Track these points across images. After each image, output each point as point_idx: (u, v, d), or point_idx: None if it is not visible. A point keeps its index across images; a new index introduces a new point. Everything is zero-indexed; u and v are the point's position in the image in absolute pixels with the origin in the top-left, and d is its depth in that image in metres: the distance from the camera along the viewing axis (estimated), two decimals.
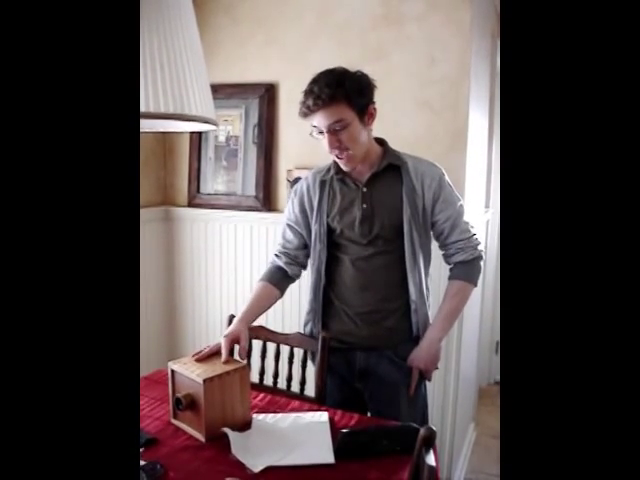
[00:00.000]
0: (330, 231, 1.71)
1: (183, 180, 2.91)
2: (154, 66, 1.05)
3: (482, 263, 1.74)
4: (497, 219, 3.58)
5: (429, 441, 1.17)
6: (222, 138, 2.75)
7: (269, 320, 2.58)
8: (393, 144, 1.74)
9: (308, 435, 1.43)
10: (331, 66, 1.59)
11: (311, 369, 1.84)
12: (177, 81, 1.08)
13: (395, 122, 2.29)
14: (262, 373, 1.93)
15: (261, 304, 1.75)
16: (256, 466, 1.28)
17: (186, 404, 1.42)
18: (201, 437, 1.42)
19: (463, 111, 2.26)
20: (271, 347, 1.92)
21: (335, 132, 1.54)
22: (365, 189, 1.66)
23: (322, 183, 1.72)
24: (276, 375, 1.91)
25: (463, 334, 2.36)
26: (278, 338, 1.90)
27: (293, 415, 1.55)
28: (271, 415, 1.55)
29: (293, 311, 2.59)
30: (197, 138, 2.81)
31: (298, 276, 1.85)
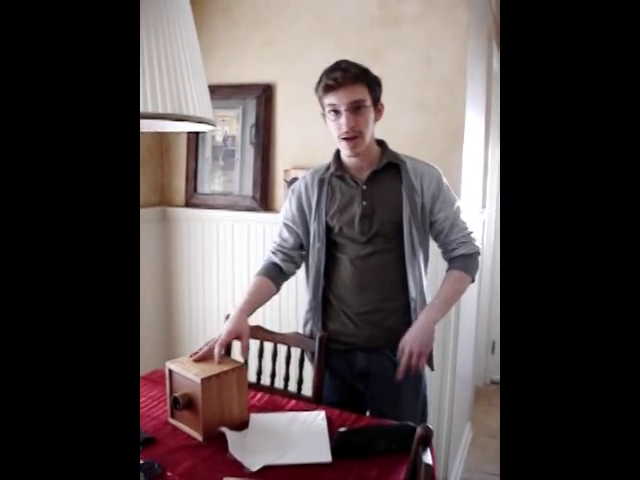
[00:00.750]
0: (328, 230, 1.71)
1: (180, 180, 2.91)
2: (152, 66, 1.05)
3: (480, 259, 1.75)
4: (493, 219, 3.59)
5: (426, 440, 1.18)
6: (219, 138, 2.75)
7: (266, 320, 2.59)
8: (390, 144, 1.75)
9: (305, 434, 1.44)
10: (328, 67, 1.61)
11: (308, 369, 1.84)
12: (175, 81, 1.08)
13: (392, 122, 2.28)
14: (259, 373, 1.94)
15: (259, 297, 1.74)
16: (254, 465, 1.29)
17: (184, 403, 1.43)
18: (199, 436, 1.42)
19: (459, 111, 2.26)
20: (268, 347, 1.93)
21: (353, 111, 1.57)
22: (365, 187, 1.66)
23: (321, 181, 1.72)
24: (273, 375, 1.91)
25: (459, 334, 2.37)
26: (275, 338, 1.91)
27: (290, 414, 1.55)
28: (268, 414, 1.55)
29: (290, 311, 2.59)
30: (194, 138, 2.81)
31: (293, 273, 1.86)
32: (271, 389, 1.87)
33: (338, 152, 1.72)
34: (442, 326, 2.33)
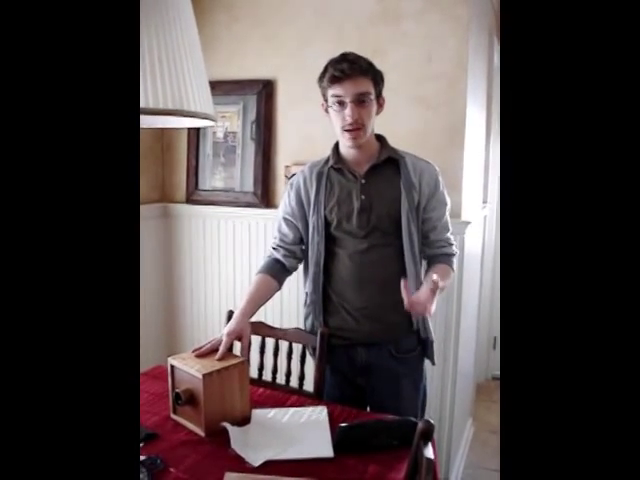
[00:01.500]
0: (327, 224, 1.71)
1: (181, 177, 2.91)
2: (153, 62, 1.05)
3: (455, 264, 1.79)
4: (494, 214, 3.58)
5: (427, 434, 1.18)
6: (220, 134, 2.75)
7: (268, 316, 2.59)
8: (390, 140, 1.75)
9: (307, 429, 1.44)
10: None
11: (310, 364, 1.85)
12: (175, 77, 1.08)
13: (393, 118, 2.29)
14: (261, 368, 1.94)
15: (261, 296, 1.74)
16: (256, 460, 1.29)
17: (185, 399, 1.43)
18: (200, 432, 1.42)
19: (460, 107, 2.26)
20: (270, 342, 1.93)
21: (358, 104, 1.58)
22: (364, 180, 1.67)
23: (319, 175, 1.72)
24: (275, 370, 1.91)
25: (460, 329, 2.37)
26: (277, 334, 1.91)
27: (292, 410, 1.56)
28: (270, 410, 1.55)
29: (292, 306, 2.59)
30: (195, 134, 2.81)
31: (295, 269, 1.86)
32: (273, 385, 1.87)
33: (337, 145, 1.72)
34: (444, 322, 2.34)
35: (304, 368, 1.87)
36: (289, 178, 2.49)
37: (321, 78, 1.63)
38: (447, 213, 1.74)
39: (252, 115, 2.66)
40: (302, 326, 1.86)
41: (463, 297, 2.36)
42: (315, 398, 1.72)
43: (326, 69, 1.61)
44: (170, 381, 1.50)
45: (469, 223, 2.31)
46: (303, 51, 2.50)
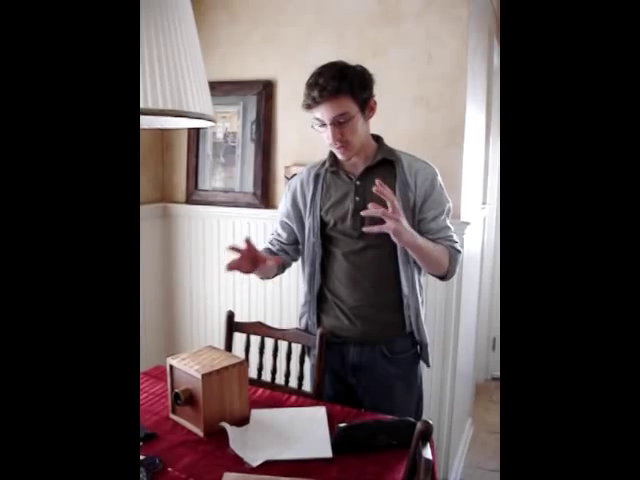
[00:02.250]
0: (323, 224, 1.71)
1: (181, 177, 2.91)
2: (152, 62, 1.05)
3: (457, 264, 1.69)
4: (494, 215, 3.59)
5: (426, 435, 1.18)
6: (220, 135, 2.75)
7: (267, 316, 2.60)
8: (390, 141, 1.75)
9: (306, 430, 1.44)
10: (333, 60, 1.60)
11: (309, 365, 1.85)
12: (175, 77, 1.09)
13: (392, 119, 2.30)
14: (260, 369, 1.94)
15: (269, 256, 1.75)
16: (254, 460, 1.29)
17: (185, 399, 1.43)
18: (199, 432, 1.43)
19: (460, 108, 2.26)
20: (269, 343, 1.93)
21: (339, 124, 1.56)
22: (359, 182, 1.67)
23: (316, 177, 1.73)
24: (274, 371, 1.91)
25: (460, 330, 2.37)
26: (276, 334, 1.91)
27: (291, 410, 1.56)
28: (269, 410, 1.56)
29: (291, 307, 2.59)
30: (195, 135, 2.81)
31: (289, 265, 1.87)
32: (272, 385, 1.87)
33: None
34: (443, 323, 2.34)
35: (303, 368, 1.87)
36: (289, 178, 2.50)
37: (302, 102, 1.61)
38: (446, 214, 1.70)
39: (252, 115, 2.66)
40: (298, 325, 1.86)
41: (462, 298, 2.36)
42: (314, 398, 1.72)
43: (304, 92, 1.59)
44: (169, 381, 1.50)
45: (468, 224, 2.31)
46: (303, 51, 2.50)
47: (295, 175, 1.85)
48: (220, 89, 2.64)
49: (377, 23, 2.36)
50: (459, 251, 1.69)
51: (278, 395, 1.69)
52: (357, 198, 1.66)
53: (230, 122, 2.72)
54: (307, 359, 1.87)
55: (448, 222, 1.71)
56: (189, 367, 1.44)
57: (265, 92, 2.62)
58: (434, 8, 2.25)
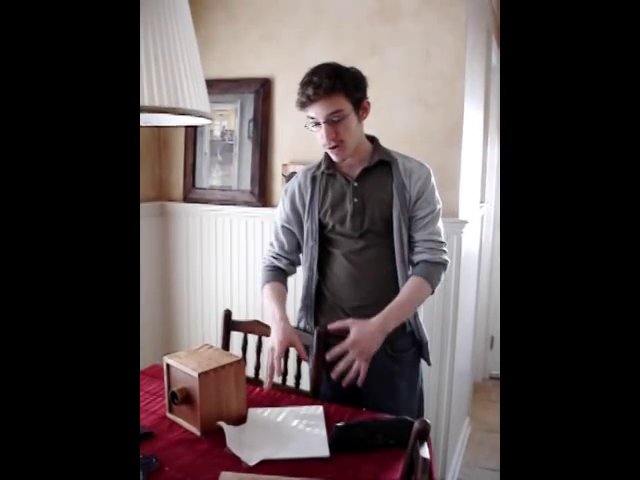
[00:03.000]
0: (321, 227, 1.71)
1: (178, 175, 2.91)
2: (149, 60, 1.05)
3: (443, 275, 1.70)
4: (492, 214, 3.59)
5: (423, 434, 1.17)
6: (217, 133, 2.75)
7: (264, 314, 2.59)
8: (388, 139, 1.75)
9: (303, 429, 1.44)
10: (326, 61, 1.60)
11: (306, 364, 1.84)
12: (172, 75, 1.08)
13: (390, 117, 2.30)
14: (257, 367, 1.94)
15: (283, 299, 1.77)
16: (251, 459, 1.29)
17: (181, 398, 1.43)
18: (196, 431, 1.42)
19: (458, 106, 2.26)
20: (266, 341, 1.92)
21: (332, 123, 1.56)
22: (356, 184, 1.67)
23: (313, 179, 1.73)
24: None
25: (458, 329, 2.37)
26: None
27: (288, 409, 1.55)
28: (266, 409, 1.55)
29: (289, 307, 2.57)
30: (192, 133, 2.81)
31: (294, 273, 1.88)
32: None
33: None
34: (441, 321, 2.34)
35: (301, 367, 1.86)
36: (287, 177, 2.51)
37: (296, 101, 1.60)
38: (436, 215, 1.69)
39: (249, 113, 2.65)
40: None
41: (460, 296, 2.36)
42: (311, 397, 1.71)
43: (298, 92, 1.59)
44: (166, 380, 1.50)
45: (466, 222, 2.31)
46: (301, 49, 2.50)
47: (292, 175, 1.84)
48: (218, 87, 2.63)
49: (375, 21, 2.35)
50: (444, 264, 1.70)
51: (275, 394, 1.68)
52: (355, 200, 1.66)
53: (228, 120, 2.71)
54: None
55: (439, 224, 1.71)
56: (186, 366, 1.43)
57: (263, 90, 2.61)
58: (432, 6, 2.25)
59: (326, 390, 1.76)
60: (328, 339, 1.72)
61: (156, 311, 2.99)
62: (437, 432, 2.40)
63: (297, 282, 1.97)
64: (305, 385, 1.82)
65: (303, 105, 1.57)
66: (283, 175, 2.57)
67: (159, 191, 2.97)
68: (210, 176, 2.79)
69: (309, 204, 1.72)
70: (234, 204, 2.73)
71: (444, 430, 2.42)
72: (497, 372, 3.77)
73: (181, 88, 1.09)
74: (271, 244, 1.86)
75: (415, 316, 1.70)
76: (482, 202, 3.29)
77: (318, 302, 1.76)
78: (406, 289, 1.64)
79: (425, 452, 1.13)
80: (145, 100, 1.04)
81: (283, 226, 1.81)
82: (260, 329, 1.93)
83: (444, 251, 1.70)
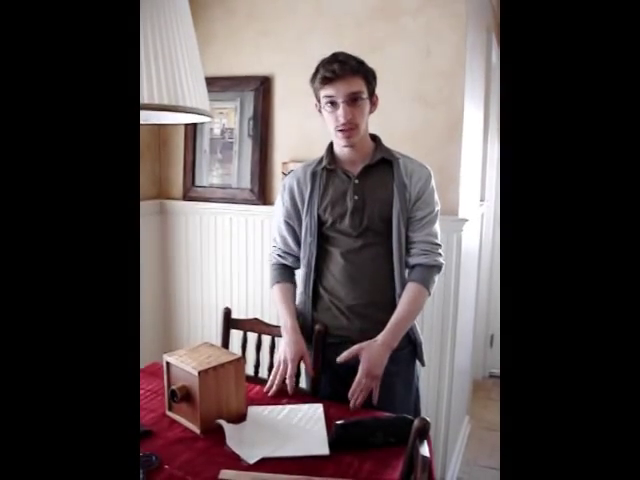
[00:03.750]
0: (320, 223, 1.71)
1: (178, 173, 2.90)
2: (148, 58, 1.04)
3: (438, 277, 1.72)
4: (492, 212, 3.58)
5: (423, 432, 1.17)
6: (217, 131, 2.74)
7: (264, 313, 2.59)
8: (388, 137, 1.75)
9: (303, 427, 1.44)
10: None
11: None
12: (171, 73, 1.08)
13: (390, 115, 2.29)
14: (257, 366, 1.94)
15: (293, 303, 1.78)
16: (251, 457, 1.29)
17: (181, 396, 1.43)
18: (196, 429, 1.42)
19: (458, 104, 2.26)
20: (266, 340, 1.93)
21: (351, 103, 1.57)
22: (357, 181, 1.67)
23: (313, 175, 1.72)
24: (271, 368, 1.90)
25: (457, 327, 2.37)
26: (273, 331, 1.90)
27: (288, 407, 1.55)
28: (266, 407, 1.55)
29: None
30: (192, 131, 2.80)
31: (299, 268, 1.87)
32: None
33: (331, 145, 1.72)
34: (440, 320, 2.34)
35: (300, 366, 1.86)
36: (287, 175, 2.50)
37: (313, 79, 1.62)
38: (434, 217, 1.69)
39: (249, 111, 2.65)
40: None
41: (460, 295, 2.36)
42: (311, 395, 1.71)
43: (317, 70, 1.60)
44: (166, 378, 1.50)
45: (466, 221, 2.31)
46: (301, 47, 2.50)
47: (290, 172, 1.83)
48: (217, 85, 2.63)
49: (375, 18, 2.35)
50: (439, 267, 1.71)
51: (275, 392, 1.68)
52: (356, 197, 1.65)
53: (227, 118, 2.71)
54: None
55: (436, 225, 1.71)
56: (186, 364, 1.43)
57: (262, 88, 2.61)
58: (433, 4, 2.24)
59: (325, 388, 1.76)
60: (327, 337, 1.72)
61: (156, 309, 2.99)
62: (437, 430, 2.40)
63: (298, 279, 1.97)
64: (304, 383, 1.82)
65: (326, 81, 1.57)
66: (283, 173, 2.57)
67: (159, 189, 2.97)
68: (210, 174, 2.79)
69: (308, 200, 1.71)
70: (234, 202, 2.72)
71: (444, 428, 2.42)
72: (497, 370, 3.77)
73: (181, 86, 1.09)
74: (274, 240, 1.86)
75: None
76: (482, 200, 3.29)
77: (314, 300, 1.76)
78: (405, 299, 1.65)
79: (425, 450, 1.13)
80: (145, 98, 1.04)
81: (286, 222, 1.80)
82: (260, 327, 1.93)
83: (440, 254, 1.71)
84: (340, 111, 1.57)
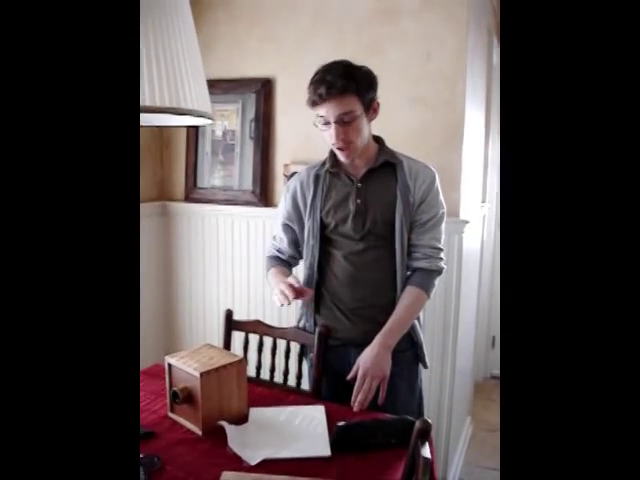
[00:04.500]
0: (323, 226, 1.71)
1: (180, 175, 2.91)
2: (150, 60, 1.05)
3: (438, 280, 1.72)
4: (493, 213, 3.58)
5: (425, 434, 1.17)
6: (219, 133, 2.75)
7: (266, 315, 2.59)
8: (389, 140, 1.75)
9: (305, 428, 1.44)
10: (327, 61, 1.59)
11: (306, 364, 1.85)
12: (173, 75, 1.08)
13: (391, 118, 2.29)
14: (259, 367, 1.94)
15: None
16: (253, 459, 1.29)
17: (183, 397, 1.43)
18: (198, 430, 1.42)
19: (459, 107, 2.26)
20: (268, 341, 1.93)
21: (343, 124, 1.55)
22: (360, 184, 1.66)
23: (316, 177, 1.72)
24: (273, 369, 1.91)
25: (459, 328, 2.37)
26: (274, 332, 1.91)
27: (290, 408, 1.55)
28: (268, 408, 1.55)
29: (290, 306, 2.57)
30: (194, 133, 2.81)
31: (297, 265, 1.88)
32: (270, 383, 1.87)
33: None
34: (442, 321, 2.34)
35: (302, 367, 1.86)
36: (288, 177, 2.50)
37: (307, 99, 1.59)
38: (439, 219, 1.69)
39: (251, 113, 2.66)
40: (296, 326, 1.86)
41: (461, 296, 2.36)
42: (313, 397, 1.71)
43: (309, 89, 1.57)
44: (167, 379, 1.50)
45: (468, 222, 2.31)
46: (302, 50, 2.50)
47: (294, 175, 1.84)
48: (219, 87, 2.63)
49: (376, 21, 2.35)
50: (440, 271, 1.71)
51: (276, 393, 1.69)
52: (358, 200, 1.65)
53: (229, 120, 2.71)
54: (305, 359, 1.86)
55: (440, 228, 1.70)
56: (187, 365, 1.44)
57: (264, 90, 2.61)
58: (433, 6, 2.25)
59: (327, 390, 1.76)
60: (329, 339, 1.73)
61: (158, 311, 2.99)
62: (438, 431, 2.40)
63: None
64: (306, 385, 1.82)
65: (314, 104, 1.55)
66: (285, 175, 2.57)
67: (161, 191, 2.97)
68: (212, 176, 2.80)
69: (311, 203, 1.71)
70: (236, 204, 2.73)
71: (445, 429, 2.42)
72: (498, 371, 3.76)
73: (182, 88, 1.10)
74: (274, 237, 1.87)
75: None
76: (483, 202, 3.28)
77: (316, 302, 1.76)
78: (404, 302, 1.65)
79: (426, 451, 1.13)
80: (146, 100, 1.04)
81: (285, 224, 1.81)
82: (261, 329, 1.93)
83: (441, 258, 1.70)
84: (332, 131, 1.56)
